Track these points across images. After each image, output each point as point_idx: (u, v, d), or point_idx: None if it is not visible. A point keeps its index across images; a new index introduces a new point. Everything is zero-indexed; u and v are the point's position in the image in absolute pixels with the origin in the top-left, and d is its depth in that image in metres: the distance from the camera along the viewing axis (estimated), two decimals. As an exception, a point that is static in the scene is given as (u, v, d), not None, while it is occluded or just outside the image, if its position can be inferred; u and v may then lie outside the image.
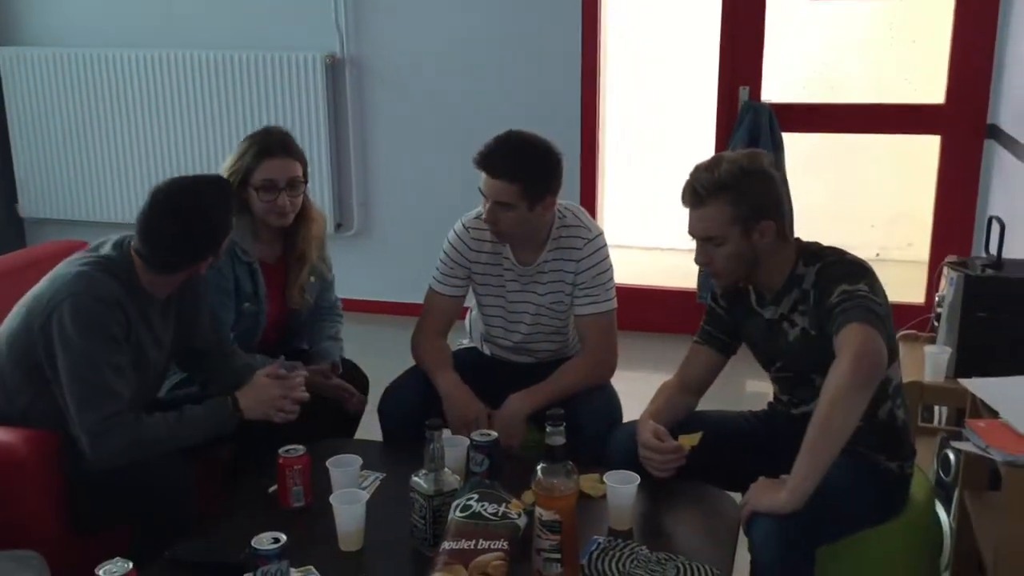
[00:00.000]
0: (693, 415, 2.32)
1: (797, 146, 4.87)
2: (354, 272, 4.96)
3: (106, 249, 2.22)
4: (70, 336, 2.07)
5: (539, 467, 1.79)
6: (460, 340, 2.86)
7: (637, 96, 5.89)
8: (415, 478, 1.91)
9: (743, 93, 4.31)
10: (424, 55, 4.62)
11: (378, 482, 2.21)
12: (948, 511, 2.53)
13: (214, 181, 2.30)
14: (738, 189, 2.02)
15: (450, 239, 2.58)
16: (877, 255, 5.85)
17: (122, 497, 2.10)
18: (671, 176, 2.50)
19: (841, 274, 2.02)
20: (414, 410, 2.42)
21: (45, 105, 5.04)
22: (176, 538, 1.96)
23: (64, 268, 2.20)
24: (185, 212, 2.16)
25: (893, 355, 2.11)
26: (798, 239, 2.15)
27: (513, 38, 4.50)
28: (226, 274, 2.49)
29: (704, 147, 4.50)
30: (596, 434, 2.33)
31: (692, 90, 5.23)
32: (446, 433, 2.37)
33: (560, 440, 1.78)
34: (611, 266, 2.54)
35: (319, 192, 4.74)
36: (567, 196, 4.46)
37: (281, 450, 2.09)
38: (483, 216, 2.43)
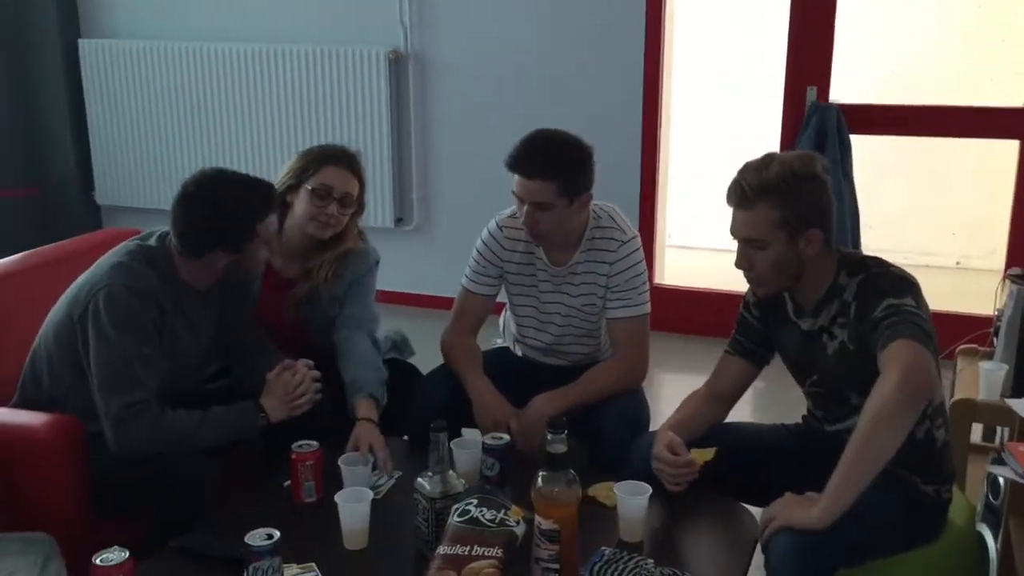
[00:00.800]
0: (721, 426, 2.25)
1: (873, 149, 4.73)
2: (413, 267, 5.00)
3: (152, 239, 2.28)
4: (102, 325, 2.12)
5: (539, 475, 1.75)
6: (494, 339, 2.83)
7: (702, 94, 5.76)
8: (419, 480, 1.90)
9: (811, 93, 4.18)
10: (487, 51, 4.60)
11: (393, 481, 2.20)
12: (996, 536, 2.39)
13: (250, 180, 2.28)
14: (788, 193, 1.94)
15: (483, 238, 2.55)
16: (957, 263, 5.63)
17: (143, 489, 2.13)
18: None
19: (886, 287, 1.93)
20: (441, 410, 2.40)
21: (122, 96, 5.18)
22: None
23: (106, 258, 2.26)
24: (205, 197, 2.20)
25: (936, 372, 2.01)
26: (839, 248, 2.07)
27: (576, 34, 4.45)
28: None
29: (769, 149, 4.38)
30: (619, 441, 2.29)
31: (759, 89, 5.09)
32: (470, 434, 2.37)
33: (561, 448, 1.74)
34: (645, 269, 2.48)
35: (379, 186, 4.77)
36: (627, 196, 4.55)
37: (294, 445, 2.10)
38: (520, 219, 2.39)
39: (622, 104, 4.43)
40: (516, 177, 2.36)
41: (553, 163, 2.33)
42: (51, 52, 5.21)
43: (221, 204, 2.19)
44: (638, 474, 2.11)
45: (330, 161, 2.47)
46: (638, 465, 2.15)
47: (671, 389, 4.30)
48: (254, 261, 2.28)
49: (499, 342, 2.81)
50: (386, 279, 4.92)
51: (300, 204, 2.48)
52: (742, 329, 2.24)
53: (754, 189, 1.95)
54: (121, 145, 5.26)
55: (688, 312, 4.54)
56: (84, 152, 5.35)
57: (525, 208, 2.35)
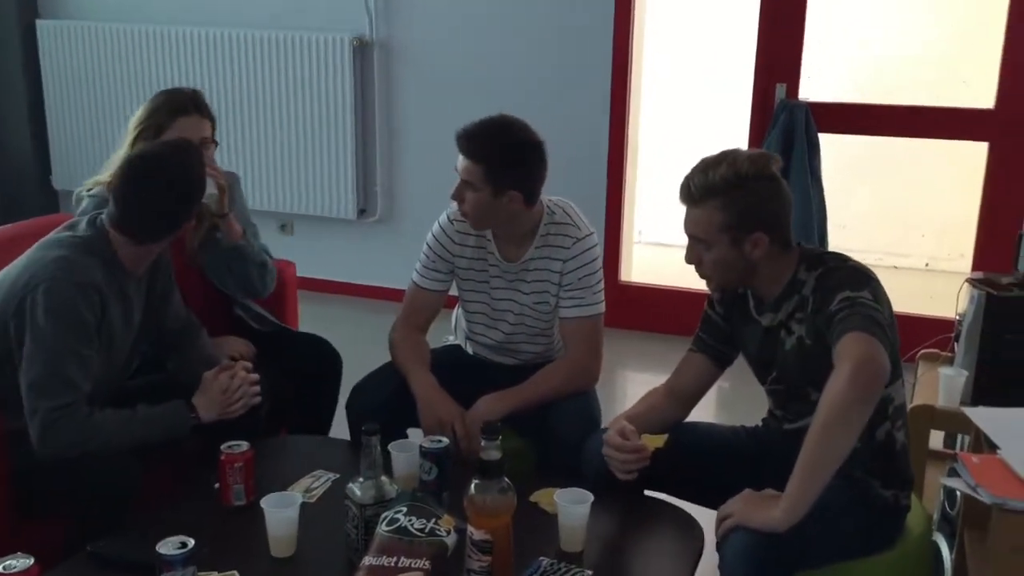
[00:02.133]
0: (678, 425, 2.18)
1: (843, 148, 4.67)
2: (376, 259, 4.91)
3: (82, 228, 2.16)
4: (39, 322, 2.02)
5: (472, 483, 1.67)
6: (446, 336, 2.74)
7: (673, 89, 5.70)
8: (350, 485, 1.81)
9: (779, 90, 4.12)
10: (454, 39, 4.51)
11: (329, 483, 2.12)
12: (951, 547, 2.34)
13: (185, 145, 2.24)
14: (731, 196, 1.90)
15: (434, 231, 2.47)
16: (927, 265, 5.60)
17: (67, 488, 2.04)
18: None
19: (843, 280, 1.88)
20: (384, 409, 2.33)
21: (80, 79, 5.05)
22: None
23: (42, 251, 2.14)
24: (168, 176, 2.13)
25: (896, 372, 1.96)
26: (800, 244, 2.02)
27: (545, 23, 4.37)
28: None
29: (738, 146, 4.32)
30: (571, 441, 2.21)
31: (729, 84, 5.03)
32: (416, 435, 2.29)
33: (495, 454, 1.67)
34: (600, 268, 2.40)
35: (342, 176, 4.69)
36: (593, 191, 4.47)
37: (224, 446, 2.01)
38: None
39: (590, 96, 4.36)
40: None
41: (487, 147, 2.27)
42: (7, 33, 5.08)
43: (180, 184, 2.14)
44: (592, 474, 2.06)
45: (180, 112, 2.45)
46: (592, 465, 2.09)
47: (634, 388, 4.24)
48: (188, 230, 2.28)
49: (451, 339, 2.72)
50: (348, 271, 4.91)
51: None
52: (706, 327, 2.18)
53: (699, 189, 1.92)
54: (79, 129, 5.13)
55: (654, 310, 4.48)
56: (41, 135, 5.22)
57: (457, 182, 2.30)
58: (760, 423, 2.22)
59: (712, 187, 1.90)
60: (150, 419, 2.11)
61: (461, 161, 2.29)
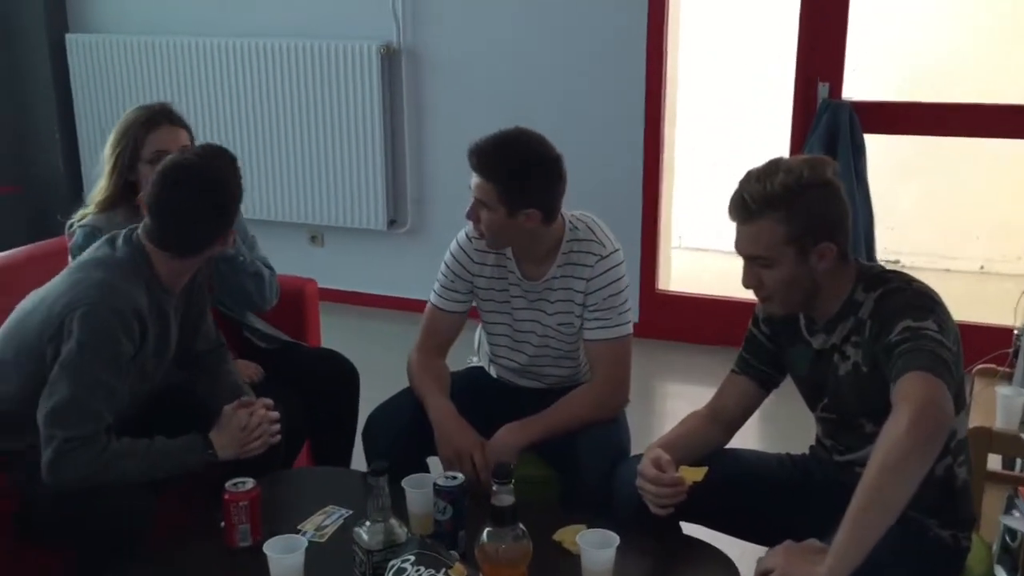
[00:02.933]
0: (719, 452, 2.04)
1: (890, 146, 4.48)
2: (406, 271, 4.81)
3: (119, 247, 2.07)
4: (72, 348, 1.93)
5: (484, 530, 1.54)
6: (469, 358, 2.62)
7: (711, 89, 5.52)
8: (357, 528, 1.70)
9: (822, 89, 3.94)
10: (484, 46, 4.39)
11: (341, 520, 2.00)
12: (1013, 581, 2.17)
13: (220, 151, 2.14)
14: (795, 205, 1.74)
15: (452, 249, 2.35)
16: (981, 268, 5.36)
17: (77, 519, 1.94)
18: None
19: (905, 306, 1.73)
20: (403, 437, 2.22)
21: (110, 92, 5.02)
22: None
23: (82, 272, 2.05)
24: (203, 183, 2.06)
25: (959, 405, 1.80)
26: (857, 260, 1.87)
27: (576, 27, 4.23)
28: None
29: (779, 148, 4.15)
30: (597, 473, 2.09)
31: (769, 83, 4.85)
32: (435, 463, 2.17)
33: (508, 500, 1.54)
34: (626, 286, 2.27)
35: (372, 187, 4.58)
36: (629, 197, 4.31)
37: (228, 483, 1.90)
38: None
39: (624, 99, 4.22)
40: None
41: (500, 165, 2.15)
42: (38, 47, 5.06)
43: (219, 192, 2.07)
44: (624, 507, 1.94)
45: (152, 125, 2.39)
46: (622, 497, 1.96)
47: (673, 403, 4.09)
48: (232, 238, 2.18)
49: (474, 360, 2.60)
50: (379, 283, 4.81)
51: (144, 180, 2.33)
52: (750, 347, 2.04)
53: (757, 201, 1.75)
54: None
55: (694, 319, 4.32)
56: (72, 149, 5.20)
57: (472, 201, 2.19)
58: (808, 451, 2.08)
59: (772, 197, 1.74)
60: (166, 453, 2.03)
61: (474, 179, 2.17)
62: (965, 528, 1.87)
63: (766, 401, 2.08)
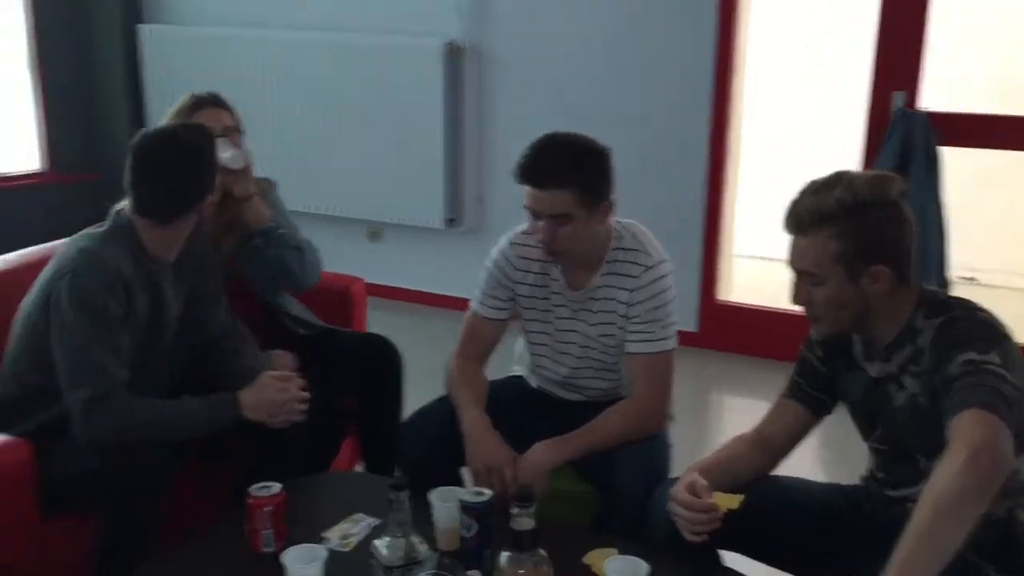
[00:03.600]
0: (764, 479, 1.95)
1: (970, 162, 4.29)
2: (464, 270, 4.73)
3: (106, 222, 2.16)
4: (65, 314, 2.03)
5: (503, 554, 1.49)
6: (512, 367, 2.56)
7: (780, 95, 5.37)
8: (376, 542, 1.66)
9: (897, 99, 3.78)
10: (549, 44, 4.33)
11: (368, 530, 1.95)
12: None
13: (197, 126, 2.24)
14: (849, 222, 1.66)
15: (493, 256, 2.30)
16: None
17: (96, 484, 2.00)
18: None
19: (968, 336, 1.63)
20: (436, 447, 2.18)
21: (180, 82, 5.02)
22: (140, 536, 1.97)
23: (68, 245, 2.15)
24: (175, 149, 2.11)
25: (1020, 442, 1.67)
26: (920, 283, 1.77)
27: (643, 29, 4.15)
28: None
29: (850, 158, 4.01)
30: (633, 494, 2.01)
31: (842, 90, 4.69)
32: (468, 476, 2.12)
33: (528, 524, 1.48)
34: (672, 299, 2.18)
35: (431, 185, 4.57)
36: (689, 204, 4.21)
37: (253, 487, 1.87)
38: (535, 236, 2.13)
39: (688, 103, 4.13)
40: (526, 188, 2.10)
41: (570, 169, 2.06)
42: (110, 37, 5.14)
43: (194, 149, 2.11)
44: (658, 533, 1.86)
45: (197, 106, 2.47)
46: (657, 521, 1.88)
47: (730, 416, 3.99)
48: (211, 205, 2.21)
49: (517, 370, 2.54)
50: (436, 282, 4.78)
51: None
52: (802, 370, 1.95)
53: (811, 215, 1.69)
54: (178, 133, 5.15)
55: (753, 331, 4.20)
56: (142, 139, 5.27)
57: (541, 223, 2.08)
58: (860, 481, 1.98)
59: (826, 212, 1.67)
60: (194, 408, 2.11)
61: (541, 195, 2.07)
62: None
63: (821, 424, 1.99)
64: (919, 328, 1.71)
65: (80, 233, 2.16)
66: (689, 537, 1.78)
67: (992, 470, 1.48)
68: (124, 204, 2.16)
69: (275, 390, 2.16)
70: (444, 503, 1.87)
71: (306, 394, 2.19)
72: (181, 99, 2.53)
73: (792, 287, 1.77)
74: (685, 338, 4.21)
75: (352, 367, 2.58)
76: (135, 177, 2.10)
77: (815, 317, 1.78)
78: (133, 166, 2.10)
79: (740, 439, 1.99)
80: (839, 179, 1.69)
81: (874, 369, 1.80)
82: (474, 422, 2.15)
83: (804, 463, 2.11)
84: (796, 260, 1.74)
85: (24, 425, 2.09)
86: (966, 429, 1.51)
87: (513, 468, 2.07)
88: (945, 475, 1.49)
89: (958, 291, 3.97)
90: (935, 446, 1.58)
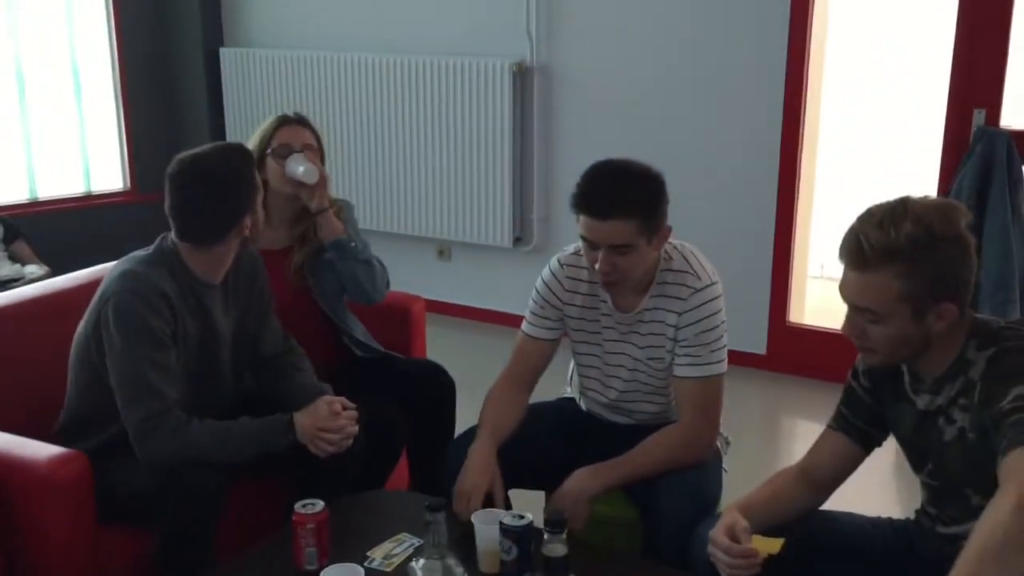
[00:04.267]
0: (812, 513, 1.89)
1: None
2: (529, 289, 4.71)
3: (152, 247, 2.21)
4: (112, 335, 2.07)
5: (533, 581, 1.47)
6: (564, 388, 2.54)
7: (856, 115, 5.23)
8: (412, 564, 1.65)
9: (978, 117, 3.65)
10: (615, 65, 4.31)
11: (411, 550, 1.95)
12: None
13: (232, 148, 2.25)
14: (920, 260, 1.56)
15: (544, 277, 2.28)
16: None
17: (150, 497, 2.04)
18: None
19: (1020, 370, 1.55)
20: None
21: (259, 104, 5.20)
22: (194, 552, 1.99)
23: (113, 268, 2.19)
24: (205, 174, 2.13)
25: None
26: (972, 313, 1.68)
27: (711, 49, 4.09)
28: None
29: (927, 178, 3.89)
30: (679, 525, 1.96)
31: (920, 107, 4.55)
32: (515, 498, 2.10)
33: (561, 550, 1.46)
34: (722, 323, 2.13)
35: (499, 203, 4.58)
36: (760, 219, 4.12)
37: (297, 504, 1.89)
38: (594, 266, 2.08)
39: (759, 127, 4.05)
40: (583, 218, 2.05)
41: (630, 198, 2.01)
42: (193, 59, 5.30)
43: (225, 173, 2.14)
44: (700, 570, 1.81)
45: (280, 124, 2.57)
46: (699, 558, 1.83)
47: (800, 443, 3.88)
48: (255, 225, 2.22)
49: (567, 391, 2.52)
50: (502, 300, 4.78)
51: (271, 173, 2.53)
52: (849, 400, 1.87)
53: (877, 251, 1.56)
54: (256, 152, 5.28)
55: (825, 355, 4.08)
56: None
57: (600, 253, 2.04)
58: (912, 515, 1.90)
59: (895, 249, 1.54)
60: (248, 430, 2.12)
61: (600, 226, 2.01)
62: None
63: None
64: (971, 360, 1.63)
65: (125, 257, 2.20)
66: None
67: None
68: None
69: (324, 414, 2.15)
70: (486, 525, 1.86)
71: (354, 429, 2.18)
72: (269, 119, 2.63)
73: (846, 321, 1.67)
74: (753, 360, 4.21)
75: (406, 390, 2.59)
76: (171, 203, 2.13)
77: (870, 349, 1.69)
78: (169, 192, 2.13)
79: (784, 473, 1.93)
80: (906, 210, 1.57)
81: (923, 402, 1.72)
82: (477, 449, 2.09)
83: (856, 492, 2.03)
84: (855, 296, 1.62)
85: (87, 442, 2.15)
86: (1017, 469, 1.44)
87: (480, 497, 1.99)
88: (994, 517, 1.42)
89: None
90: (986, 483, 1.51)
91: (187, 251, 2.16)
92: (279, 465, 2.23)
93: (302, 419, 2.14)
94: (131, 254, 2.20)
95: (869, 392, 1.84)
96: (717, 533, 1.73)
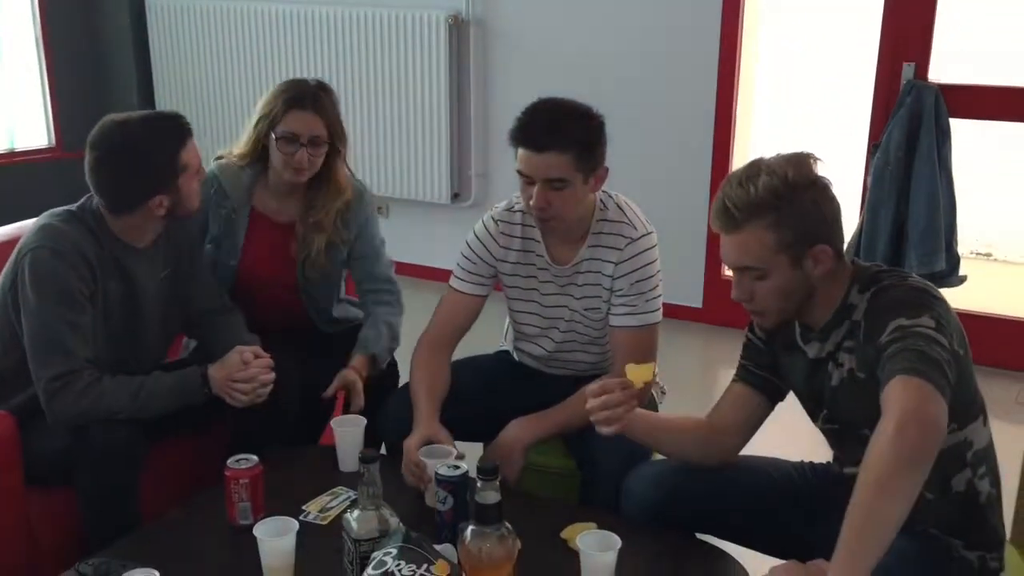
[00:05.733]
0: (734, 461, 1.93)
1: (987, 135, 4.21)
2: (468, 246, 4.74)
3: (75, 205, 2.14)
4: (27, 292, 2.02)
5: (467, 528, 1.47)
6: (501, 342, 2.54)
7: (789, 71, 5.29)
8: (347, 515, 1.64)
9: (907, 71, 3.71)
10: (552, 19, 4.29)
11: (347, 503, 1.94)
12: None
13: (160, 120, 2.15)
14: (784, 208, 1.61)
15: (476, 231, 2.26)
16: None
17: (69, 454, 2.00)
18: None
19: (898, 303, 1.59)
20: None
21: (187, 56, 5.08)
22: (121, 509, 1.98)
23: (34, 223, 2.13)
24: (118, 148, 2.05)
25: (970, 412, 1.66)
26: (855, 260, 1.73)
27: (648, 2, 4.08)
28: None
29: (858, 131, 3.94)
30: (614, 469, 1.98)
31: (851, 65, 4.60)
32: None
33: (494, 497, 1.46)
34: (657, 272, 2.14)
35: (436, 160, 4.54)
36: (695, 176, 4.14)
37: (230, 460, 1.87)
38: (528, 202, 2.07)
39: (695, 74, 4.08)
40: (520, 151, 2.05)
41: (567, 132, 2.01)
42: (119, 10, 5.14)
43: (137, 147, 2.05)
44: (634, 511, 1.86)
45: (294, 105, 2.36)
46: (633, 500, 1.88)
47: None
48: (189, 198, 2.13)
49: (503, 344, 2.52)
50: (439, 256, 4.75)
51: (273, 151, 2.39)
52: (747, 352, 1.91)
53: (742, 209, 1.62)
54: (186, 106, 5.14)
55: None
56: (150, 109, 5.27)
57: (535, 188, 2.04)
58: (832, 459, 1.94)
59: (758, 203, 1.60)
60: (163, 385, 2.08)
61: (537, 159, 2.01)
62: (994, 548, 1.71)
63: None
64: (854, 304, 1.68)
65: (46, 212, 2.13)
66: (604, 430, 1.76)
67: (921, 439, 1.43)
68: None
69: (233, 363, 2.10)
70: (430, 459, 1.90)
71: (270, 376, 2.12)
72: (281, 85, 2.42)
73: (734, 286, 1.71)
74: (690, 313, 4.26)
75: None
76: (86, 164, 2.06)
77: (760, 311, 1.73)
78: (86, 151, 2.06)
79: (690, 417, 1.96)
80: (760, 167, 1.64)
81: (812, 351, 1.75)
82: (422, 419, 2.06)
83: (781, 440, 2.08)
84: (734, 257, 1.67)
85: (11, 401, 2.10)
86: (894, 398, 1.47)
87: (414, 452, 1.98)
88: (875, 448, 1.44)
89: (973, 267, 3.94)
90: (878, 419, 1.52)
91: (107, 213, 2.10)
92: (214, 422, 2.20)
93: (215, 371, 2.10)
94: (51, 210, 2.13)
95: (764, 342, 1.88)
96: (589, 388, 1.78)
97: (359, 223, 2.52)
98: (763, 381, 1.88)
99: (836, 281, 1.69)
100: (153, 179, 2.06)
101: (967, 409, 1.64)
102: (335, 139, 2.42)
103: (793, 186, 1.61)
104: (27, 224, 2.20)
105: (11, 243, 2.31)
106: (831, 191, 1.65)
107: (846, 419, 1.73)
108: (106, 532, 1.94)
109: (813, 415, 1.83)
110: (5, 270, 2.10)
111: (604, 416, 1.76)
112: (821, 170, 1.65)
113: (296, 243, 2.47)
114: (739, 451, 1.93)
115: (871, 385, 1.58)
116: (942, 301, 1.61)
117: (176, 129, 2.12)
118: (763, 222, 1.61)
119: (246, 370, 2.09)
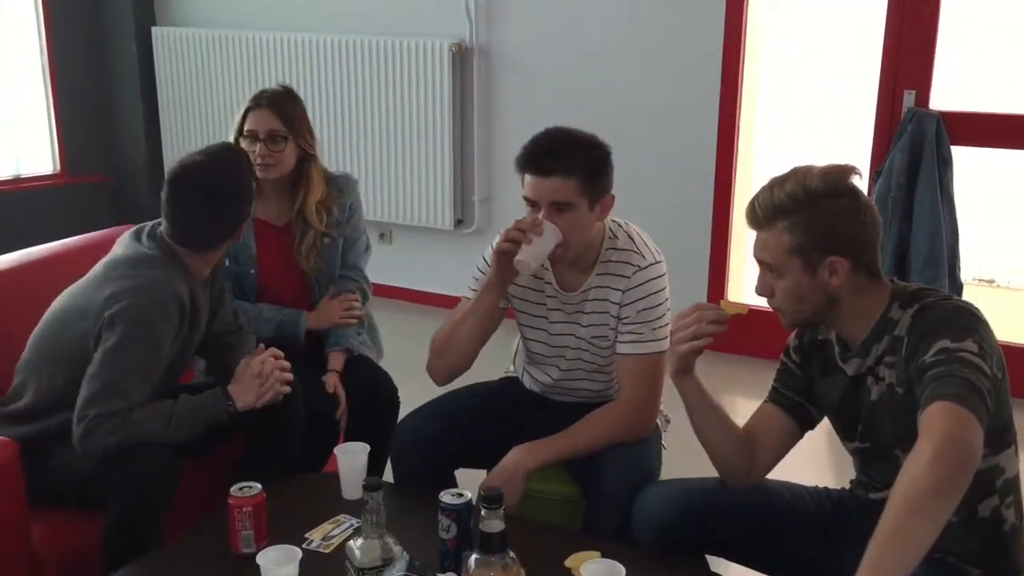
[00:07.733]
0: (753, 486, 1.92)
1: (991, 163, 4.21)
2: (471, 270, 4.72)
3: (146, 242, 2.15)
4: (117, 336, 2.02)
5: (471, 557, 1.46)
6: (507, 367, 2.54)
7: (791, 97, 5.31)
8: (350, 543, 1.64)
9: (908, 98, 3.73)
10: (555, 45, 4.31)
11: (350, 531, 1.94)
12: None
13: (222, 150, 2.26)
14: (799, 215, 1.66)
15: (493, 246, 2.26)
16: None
17: (101, 479, 2.00)
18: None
19: (943, 324, 1.60)
20: (429, 449, 2.16)
21: (192, 84, 5.11)
22: (145, 532, 1.99)
23: (120, 270, 2.12)
24: (208, 186, 2.13)
25: (1004, 439, 1.66)
26: (894, 280, 1.75)
27: (648, 27, 4.12)
28: None
29: (860, 158, 3.95)
30: (618, 497, 1.98)
31: (853, 92, 4.62)
32: (463, 478, 2.10)
33: (498, 526, 1.45)
34: (665, 300, 2.15)
35: (440, 186, 4.55)
36: (698, 198, 4.15)
37: (234, 487, 1.86)
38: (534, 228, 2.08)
39: (698, 105, 4.09)
40: (527, 178, 2.08)
41: (573, 157, 2.04)
42: (125, 39, 5.19)
43: (237, 187, 2.17)
44: (645, 537, 1.85)
45: (253, 107, 2.53)
46: (643, 526, 1.88)
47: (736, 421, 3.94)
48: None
49: (511, 370, 2.52)
50: (442, 282, 4.77)
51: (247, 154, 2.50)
52: (782, 377, 1.93)
53: (764, 209, 1.70)
54: (191, 133, 5.19)
55: (764, 334, 4.15)
56: (155, 139, 5.31)
57: (542, 212, 2.05)
58: (848, 485, 1.94)
59: (778, 206, 1.68)
60: (188, 410, 2.10)
61: (543, 183, 2.04)
62: None
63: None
64: (895, 319, 1.69)
65: (126, 255, 2.14)
66: (682, 348, 1.81)
67: (958, 466, 1.43)
68: (159, 223, 2.17)
69: (253, 369, 2.17)
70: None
71: (285, 363, 2.21)
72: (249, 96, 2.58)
73: (758, 280, 1.78)
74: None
75: (352, 385, 2.59)
76: (170, 209, 2.12)
77: (777, 308, 1.78)
78: (168, 198, 2.11)
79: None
80: (794, 173, 1.71)
81: (851, 368, 1.77)
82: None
83: (793, 466, 2.07)
84: (757, 252, 1.76)
85: (33, 426, 2.10)
86: (933, 424, 1.47)
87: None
88: (910, 472, 1.45)
89: (975, 293, 3.94)
90: (913, 440, 1.52)
91: (183, 252, 2.15)
92: (222, 443, 2.24)
93: (235, 388, 2.15)
94: (133, 253, 2.13)
95: (800, 367, 1.89)
96: (683, 311, 1.83)
97: (346, 210, 2.67)
98: (794, 404, 1.89)
99: (871, 296, 1.72)
100: (239, 213, 2.18)
101: (1002, 435, 1.64)
102: (297, 136, 2.54)
103: (814, 195, 1.66)
104: (55, 245, 2.26)
105: (19, 269, 2.33)
106: (863, 206, 1.68)
107: (880, 437, 1.74)
108: (125, 559, 1.92)
109: (847, 433, 1.84)
110: (80, 302, 2.10)
111: (691, 331, 1.79)
112: (857, 184, 1.69)
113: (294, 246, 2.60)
114: (766, 472, 1.93)
115: (908, 402, 1.60)
116: (985, 323, 1.63)
117: (243, 159, 2.27)
118: (781, 225, 1.68)
119: (263, 367, 2.17)
